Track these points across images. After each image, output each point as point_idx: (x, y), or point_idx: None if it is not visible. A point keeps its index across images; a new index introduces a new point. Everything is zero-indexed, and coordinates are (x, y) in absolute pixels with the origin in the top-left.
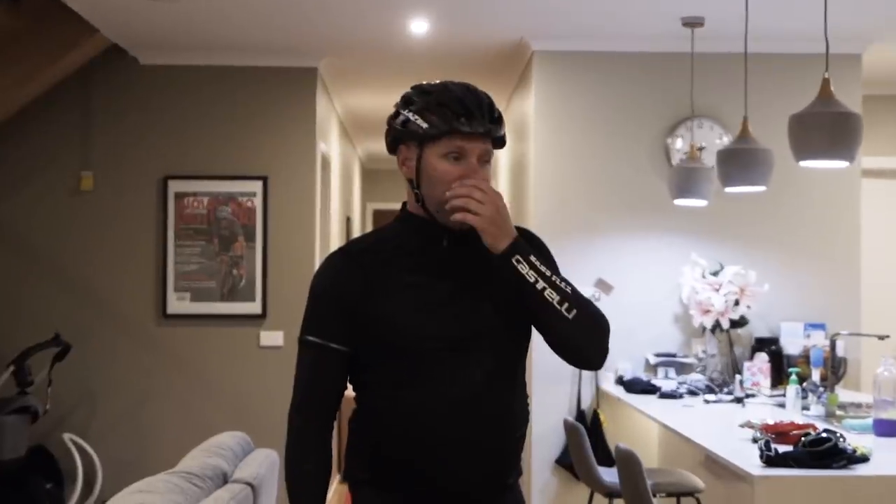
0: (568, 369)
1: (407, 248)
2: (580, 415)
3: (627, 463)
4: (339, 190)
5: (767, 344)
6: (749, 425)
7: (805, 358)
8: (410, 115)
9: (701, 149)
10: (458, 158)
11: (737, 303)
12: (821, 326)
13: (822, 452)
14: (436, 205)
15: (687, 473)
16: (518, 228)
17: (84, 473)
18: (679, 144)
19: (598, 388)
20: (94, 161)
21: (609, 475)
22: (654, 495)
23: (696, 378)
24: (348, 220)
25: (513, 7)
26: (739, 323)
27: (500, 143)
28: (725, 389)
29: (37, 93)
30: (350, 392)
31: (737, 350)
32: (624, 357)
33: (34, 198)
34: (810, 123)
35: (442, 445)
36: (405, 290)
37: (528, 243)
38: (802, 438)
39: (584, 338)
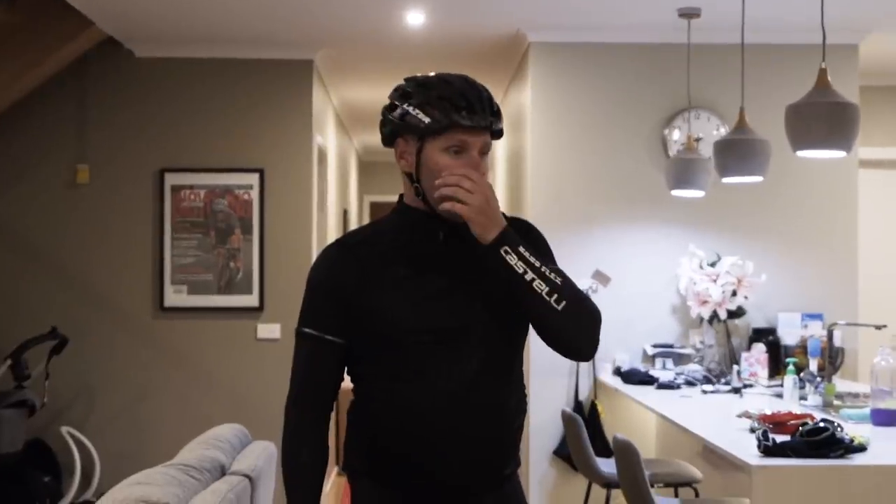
0: (565, 360)
1: (403, 241)
2: (578, 406)
3: (625, 453)
4: (336, 182)
5: (765, 334)
6: (747, 415)
7: (802, 348)
8: (411, 109)
9: (698, 140)
10: (458, 152)
11: (734, 293)
12: (818, 317)
13: (820, 442)
14: (439, 198)
15: (685, 464)
16: (516, 219)
17: (82, 467)
18: (676, 136)
19: (595, 379)
20: (90, 154)
21: (607, 466)
22: (652, 486)
23: (694, 369)
24: (345, 213)
25: None
26: (737, 313)
27: (498, 134)
28: (723, 380)
29: (32, 86)
30: (348, 384)
31: (734, 340)
32: (622, 348)
33: (30, 191)
34: (807, 113)
35: (437, 438)
36: (400, 283)
37: (526, 234)
38: (800, 428)
39: (574, 329)
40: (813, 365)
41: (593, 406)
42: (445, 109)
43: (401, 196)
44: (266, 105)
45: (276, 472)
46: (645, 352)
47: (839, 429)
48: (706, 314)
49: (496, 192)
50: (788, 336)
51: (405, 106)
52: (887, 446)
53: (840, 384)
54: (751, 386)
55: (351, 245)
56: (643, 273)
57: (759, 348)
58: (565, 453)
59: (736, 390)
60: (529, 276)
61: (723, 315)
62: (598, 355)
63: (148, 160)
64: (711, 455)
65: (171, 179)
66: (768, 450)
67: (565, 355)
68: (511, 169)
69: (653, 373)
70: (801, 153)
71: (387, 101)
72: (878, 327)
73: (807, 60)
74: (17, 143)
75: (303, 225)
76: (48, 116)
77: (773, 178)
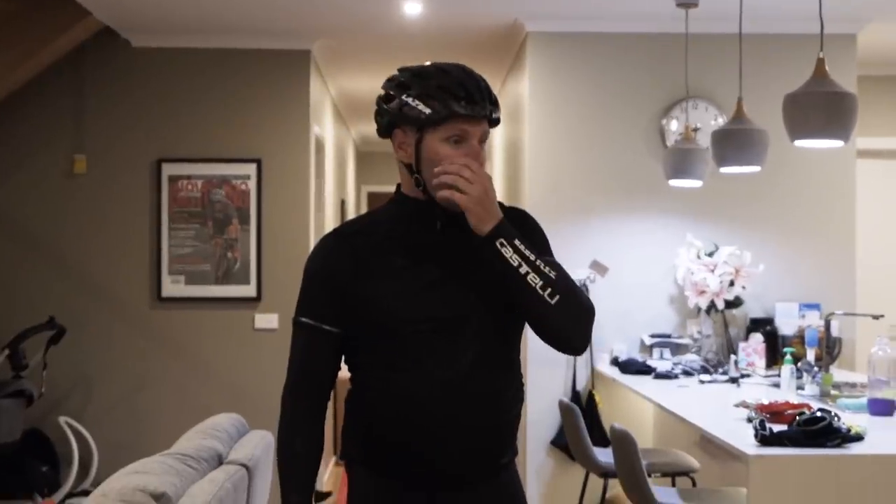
0: None
1: (400, 231)
2: (575, 396)
3: (622, 443)
4: (334, 172)
5: (762, 324)
6: (744, 405)
7: (800, 338)
8: (409, 100)
9: (696, 129)
10: (458, 141)
11: (732, 283)
12: (816, 307)
13: (817, 431)
14: (436, 185)
15: (682, 453)
16: (512, 208)
17: (80, 456)
18: (674, 126)
19: (593, 369)
20: (87, 144)
21: (604, 455)
22: (649, 475)
23: (692, 359)
24: (343, 203)
25: None
26: (734, 303)
27: (495, 123)
28: (720, 370)
29: (29, 76)
30: (347, 373)
31: (732, 331)
32: (619, 338)
33: (28, 181)
34: (805, 103)
35: (434, 426)
36: (397, 273)
37: (522, 223)
38: (797, 418)
39: (566, 323)
40: (810, 355)
41: (591, 396)
42: (445, 100)
43: (398, 186)
44: (263, 95)
45: (274, 461)
46: (642, 342)
47: (836, 418)
48: (704, 304)
49: (493, 183)
50: (786, 326)
51: (403, 97)
52: (884, 436)
53: (837, 374)
54: (748, 376)
55: (348, 234)
56: (641, 263)
57: (757, 338)
58: (563, 443)
59: (733, 380)
60: (524, 269)
61: (720, 305)
62: (595, 345)
63: (145, 150)
64: (709, 445)
65: (169, 169)
66: (765, 439)
67: (556, 348)
68: (509, 159)
69: (650, 363)
70: (798, 143)
71: (381, 92)
72: (876, 317)
73: (805, 50)
74: (14, 133)
75: (300, 215)
76: (45, 106)
77: (770, 168)
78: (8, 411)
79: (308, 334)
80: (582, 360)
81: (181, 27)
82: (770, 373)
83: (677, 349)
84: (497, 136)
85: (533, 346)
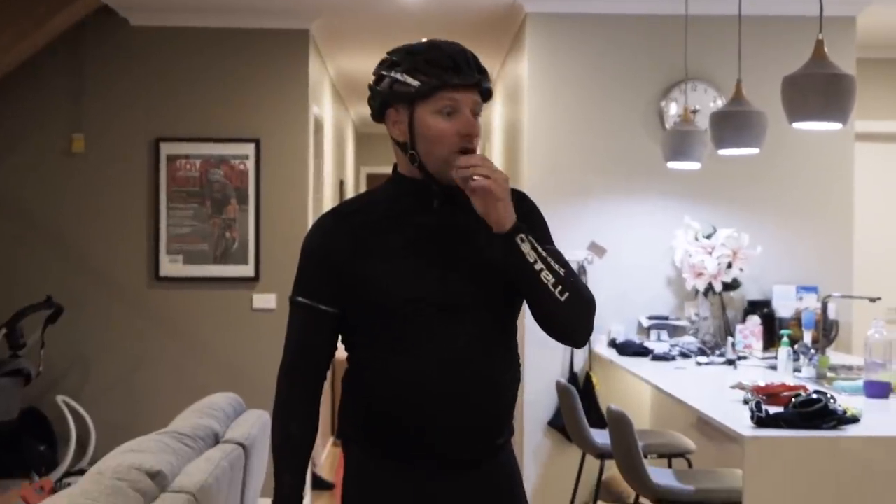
0: None
1: (397, 210)
2: (573, 377)
3: (619, 424)
4: (333, 153)
5: (760, 307)
6: (740, 387)
7: (797, 320)
8: (399, 76)
9: (695, 111)
10: (451, 113)
11: (729, 266)
12: (813, 289)
13: (813, 413)
14: (438, 163)
15: (678, 435)
16: (512, 189)
17: (77, 435)
18: (673, 109)
19: (590, 351)
20: (85, 123)
21: (601, 437)
22: (646, 456)
23: (689, 341)
24: (342, 184)
25: None
26: (732, 286)
27: (487, 95)
28: (717, 352)
29: (26, 55)
30: (343, 353)
31: (729, 313)
32: (617, 320)
33: (26, 160)
34: (804, 85)
35: (431, 405)
36: (394, 252)
37: (519, 203)
38: (793, 400)
39: (572, 319)
40: (807, 337)
41: (588, 377)
42: (433, 71)
43: (395, 166)
44: (262, 75)
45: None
46: (640, 324)
47: (832, 400)
48: (701, 286)
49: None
50: (783, 308)
51: (393, 74)
52: (880, 418)
53: (834, 356)
54: (745, 358)
55: (346, 214)
56: (639, 245)
57: (754, 320)
58: (560, 424)
59: (730, 362)
60: (539, 266)
61: (718, 287)
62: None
63: (143, 129)
64: (705, 426)
65: (167, 149)
66: (761, 421)
67: (560, 341)
68: (508, 141)
69: (648, 345)
70: (797, 125)
71: (373, 77)
72: (873, 300)
73: (804, 32)
74: (12, 113)
75: (299, 195)
76: (43, 85)
77: (769, 150)
78: (5, 390)
79: (304, 314)
80: None
81: (179, 6)
82: (767, 355)
83: (675, 331)
84: (496, 117)
85: (531, 327)
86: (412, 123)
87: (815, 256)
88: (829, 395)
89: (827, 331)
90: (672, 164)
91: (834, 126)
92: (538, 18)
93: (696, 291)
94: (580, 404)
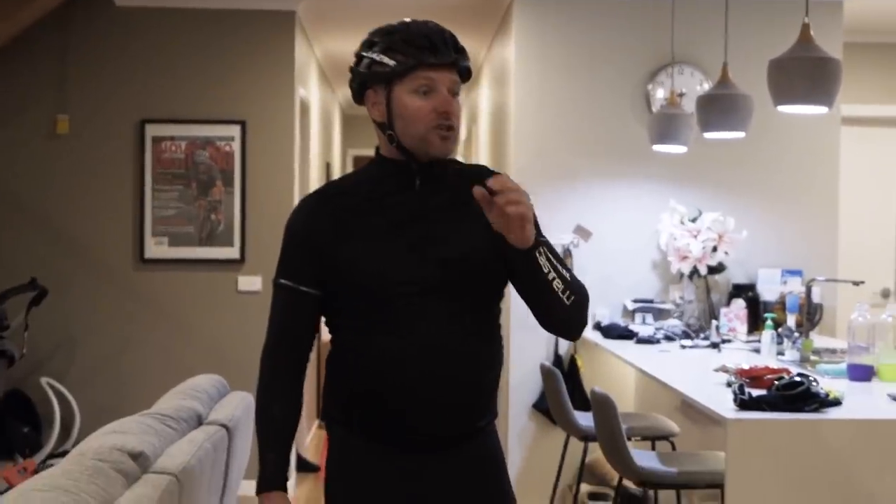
0: None
1: (379, 192)
2: (557, 360)
3: (603, 407)
4: (319, 135)
5: (744, 290)
6: (724, 370)
7: (781, 304)
8: (375, 56)
9: (681, 95)
10: (427, 92)
11: (715, 249)
12: (798, 273)
13: (795, 396)
14: (415, 141)
15: (662, 418)
16: (478, 166)
17: (61, 418)
18: (660, 94)
19: None
20: (69, 104)
21: (585, 419)
22: (629, 439)
23: (674, 324)
24: (328, 166)
25: None
26: (717, 269)
27: (466, 74)
28: (702, 335)
29: (11, 35)
30: (328, 335)
31: (714, 296)
32: (602, 303)
33: (9, 141)
34: (790, 68)
35: (413, 386)
36: (374, 234)
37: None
38: (776, 382)
39: (574, 318)
40: (791, 321)
41: (573, 360)
42: (409, 51)
43: (377, 149)
44: (248, 56)
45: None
46: (625, 307)
47: (814, 383)
48: (686, 270)
49: (479, 148)
50: (768, 292)
51: (370, 54)
52: (862, 400)
53: (818, 340)
54: (729, 341)
55: (329, 195)
56: (624, 228)
57: (739, 304)
58: (544, 407)
59: (715, 345)
60: (552, 275)
61: (703, 271)
62: None
63: (128, 111)
64: (689, 409)
65: (152, 130)
66: (744, 403)
67: (558, 335)
68: (494, 123)
69: (632, 328)
70: (783, 108)
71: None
72: (857, 283)
73: (791, 16)
74: None
75: (285, 178)
76: (27, 66)
77: (755, 133)
78: None
79: (286, 295)
80: None
81: None
82: (751, 338)
83: (659, 314)
84: (483, 100)
85: (516, 310)
86: (389, 103)
87: (800, 240)
88: (811, 378)
89: (811, 314)
90: (658, 148)
91: (820, 110)
92: (525, 2)
93: (682, 275)
94: (564, 387)
